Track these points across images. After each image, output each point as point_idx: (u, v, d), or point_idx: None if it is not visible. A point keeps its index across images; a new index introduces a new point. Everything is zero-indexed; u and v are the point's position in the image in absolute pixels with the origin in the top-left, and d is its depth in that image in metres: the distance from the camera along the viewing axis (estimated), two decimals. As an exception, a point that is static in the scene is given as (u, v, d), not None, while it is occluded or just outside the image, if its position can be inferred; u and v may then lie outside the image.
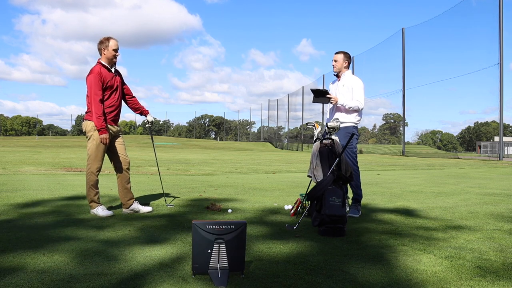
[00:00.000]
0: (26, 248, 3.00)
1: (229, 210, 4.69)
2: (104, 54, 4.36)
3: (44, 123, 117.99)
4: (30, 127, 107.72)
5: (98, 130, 4.24)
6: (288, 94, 59.95)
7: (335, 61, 4.79)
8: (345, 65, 4.78)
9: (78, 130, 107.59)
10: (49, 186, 6.90)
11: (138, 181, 8.10)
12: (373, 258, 2.91)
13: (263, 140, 76.35)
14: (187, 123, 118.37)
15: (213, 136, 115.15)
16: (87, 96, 4.33)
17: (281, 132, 70.10)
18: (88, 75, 4.31)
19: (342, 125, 4.57)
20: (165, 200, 5.33)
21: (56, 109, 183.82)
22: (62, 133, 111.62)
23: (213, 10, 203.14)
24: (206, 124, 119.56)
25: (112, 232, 3.55)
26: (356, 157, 4.80)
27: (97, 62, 4.39)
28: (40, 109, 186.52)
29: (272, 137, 71.49)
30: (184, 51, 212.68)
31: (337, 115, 4.75)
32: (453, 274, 2.57)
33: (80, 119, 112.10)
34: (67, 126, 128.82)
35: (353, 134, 4.24)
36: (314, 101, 4.86)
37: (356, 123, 4.75)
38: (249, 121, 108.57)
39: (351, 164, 4.54)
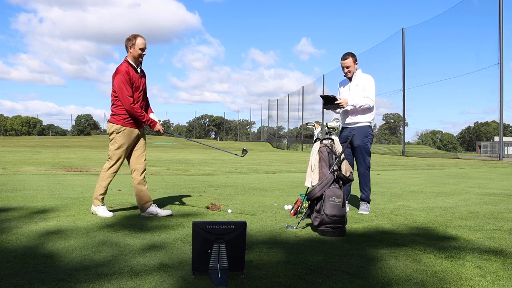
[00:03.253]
0: (26, 248, 3.00)
1: (229, 210, 4.69)
2: (131, 52, 4.25)
3: (44, 123, 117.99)
4: (30, 127, 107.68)
5: (150, 124, 4.30)
6: (288, 94, 59.95)
7: (347, 67, 4.80)
8: (356, 66, 4.85)
9: (78, 130, 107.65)
10: (49, 186, 6.90)
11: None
12: (373, 258, 2.91)
13: (263, 140, 76.31)
14: (187, 123, 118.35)
15: (213, 136, 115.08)
16: (114, 97, 4.23)
17: (281, 132, 70.09)
18: (115, 75, 4.18)
19: (357, 125, 4.73)
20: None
21: (56, 109, 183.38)
22: (62, 133, 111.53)
23: (212, 8, 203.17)
24: (206, 124, 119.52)
25: (112, 232, 3.55)
26: (369, 156, 4.88)
27: (124, 60, 4.28)
28: (40, 109, 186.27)
29: (272, 137, 71.45)
30: (183, 50, 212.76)
31: (352, 116, 4.83)
32: (453, 274, 2.57)
33: (80, 119, 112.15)
34: (67, 126, 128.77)
35: (353, 134, 4.34)
36: (324, 108, 4.84)
37: (370, 122, 4.86)
38: (249, 121, 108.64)
39: (363, 162, 4.77)
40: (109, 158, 4.33)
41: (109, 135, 4.32)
